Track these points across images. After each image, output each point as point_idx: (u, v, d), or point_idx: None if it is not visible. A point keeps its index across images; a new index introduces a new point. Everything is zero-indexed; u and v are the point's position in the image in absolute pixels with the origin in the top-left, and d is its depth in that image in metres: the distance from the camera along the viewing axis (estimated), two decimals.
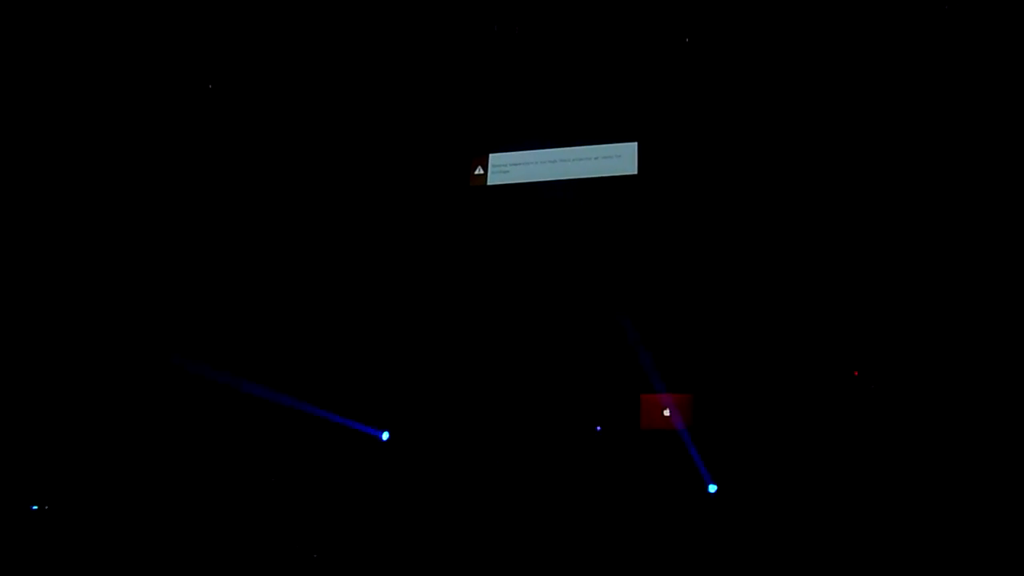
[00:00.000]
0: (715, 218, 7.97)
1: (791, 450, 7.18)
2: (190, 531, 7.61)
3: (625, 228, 8.19)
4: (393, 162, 8.72)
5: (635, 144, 8.37)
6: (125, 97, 8.54)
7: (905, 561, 6.45)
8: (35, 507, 7.78)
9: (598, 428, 7.77)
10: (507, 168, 8.63)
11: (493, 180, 8.63)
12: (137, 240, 8.56)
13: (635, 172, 8.30)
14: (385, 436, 8.03)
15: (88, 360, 8.23)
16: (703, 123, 8.16)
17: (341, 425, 8.03)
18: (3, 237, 8.29)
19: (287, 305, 8.51)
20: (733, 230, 7.90)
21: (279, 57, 8.62)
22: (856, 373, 7.29)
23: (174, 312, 8.50)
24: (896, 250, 7.41)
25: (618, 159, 8.39)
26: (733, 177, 8.00)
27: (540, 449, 7.84)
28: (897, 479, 6.79)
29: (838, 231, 7.58)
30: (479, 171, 8.68)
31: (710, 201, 8.01)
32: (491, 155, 8.68)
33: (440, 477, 7.84)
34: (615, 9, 8.01)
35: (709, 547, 7.00)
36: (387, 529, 7.60)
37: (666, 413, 7.67)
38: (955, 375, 6.98)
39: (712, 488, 7.25)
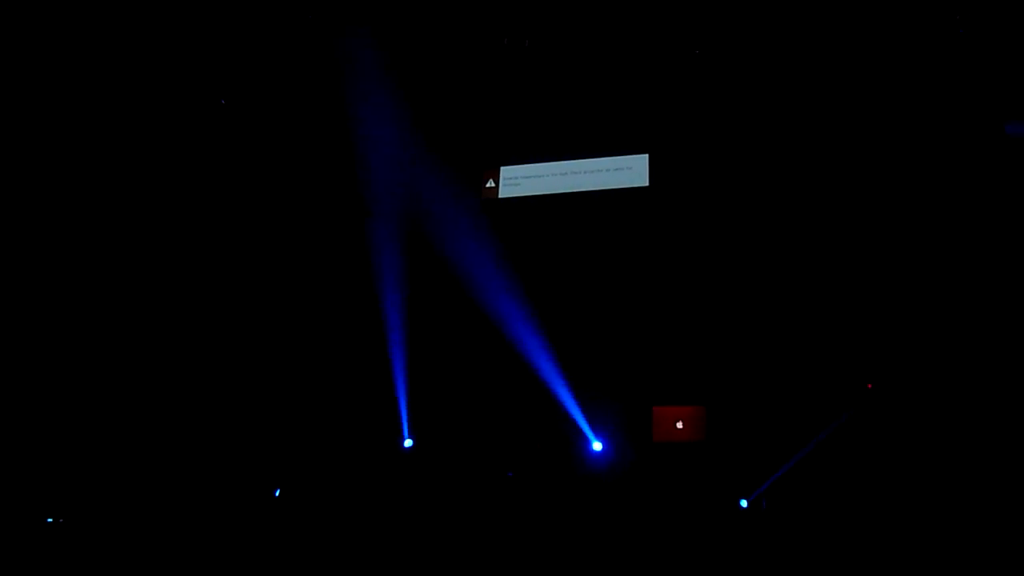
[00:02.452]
0: (727, 230, 7.95)
1: (805, 462, 7.14)
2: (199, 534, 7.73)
3: (636, 240, 8.18)
4: (405, 175, 8.75)
5: (646, 156, 8.38)
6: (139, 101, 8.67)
7: (918, 567, 6.42)
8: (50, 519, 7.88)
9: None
10: (518, 181, 8.66)
11: (504, 193, 8.66)
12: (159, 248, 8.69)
13: (646, 184, 8.30)
14: (408, 444, 8.08)
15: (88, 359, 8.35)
16: (715, 135, 8.15)
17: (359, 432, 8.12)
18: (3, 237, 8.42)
19: (301, 313, 8.58)
20: (745, 242, 7.87)
21: (292, 71, 8.70)
22: (870, 386, 7.24)
23: (203, 326, 8.61)
24: (912, 262, 7.36)
25: (629, 171, 8.40)
26: (745, 189, 7.98)
27: (552, 460, 7.84)
28: (911, 491, 6.74)
29: (852, 243, 7.54)
30: (490, 184, 8.71)
31: (722, 213, 7.99)
32: (503, 168, 8.72)
33: (450, 484, 7.86)
34: (625, 22, 8.02)
35: (722, 560, 6.97)
36: (398, 538, 7.63)
37: (679, 425, 7.65)
38: (970, 389, 6.92)
39: (743, 503, 7.22)
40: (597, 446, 7.72)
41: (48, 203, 8.46)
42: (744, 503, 7.17)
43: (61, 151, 8.52)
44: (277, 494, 8.01)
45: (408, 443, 8.06)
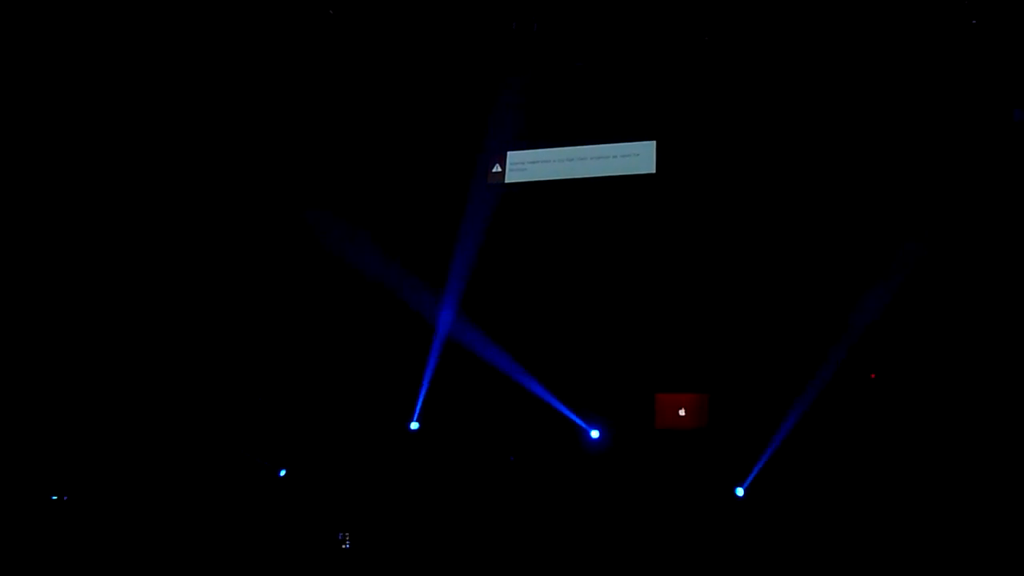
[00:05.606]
0: (734, 218, 7.94)
1: (807, 451, 7.18)
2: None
3: (643, 227, 8.18)
4: (413, 158, 8.73)
5: (653, 143, 8.34)
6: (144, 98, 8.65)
7: (919, 559, 6.47)
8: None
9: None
10: (525, 166, 8.63)
11: (511, 177, 8.63)
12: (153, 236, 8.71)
13: (653, 171, 8.27)
14: (415, 426, 8.13)
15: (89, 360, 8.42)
16: (722, 122, 8.12)
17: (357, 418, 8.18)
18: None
19: (308, 296, 8.60)
20: (751, 230, 7.87)
21: (305, 59, 8.67)
22: (873, 376, 7.26)
23: (188, 311, 8.64)
24: (918, 251, 7.35)
25: (636, 158, 8.37)
26: (752, 176, 7.97)
27: (555, 446, 7.88)
28: (912, 481, 6.78)
29: (858, 231, 7.54)
30: (497, 168, 8.68)
31: (729, 201, 7.98)
32: (509, 152, 8.68)
33: (453, 470, 7.92)
34: (635, 7, 7.97)
35: (723, 546, 7.02)
36: (400, 523, 7.69)
37: (681, 412, 7.68)
38: (973, 379, 6.95)
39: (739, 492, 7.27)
40: (595, 434, 7.79)
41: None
42: (740, 492, 7.22)
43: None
44: (282, 474, 8.06)
45: (415, 426, 8.11)
